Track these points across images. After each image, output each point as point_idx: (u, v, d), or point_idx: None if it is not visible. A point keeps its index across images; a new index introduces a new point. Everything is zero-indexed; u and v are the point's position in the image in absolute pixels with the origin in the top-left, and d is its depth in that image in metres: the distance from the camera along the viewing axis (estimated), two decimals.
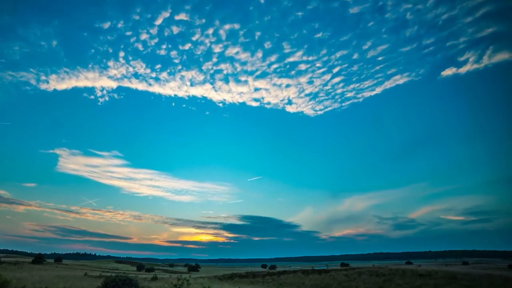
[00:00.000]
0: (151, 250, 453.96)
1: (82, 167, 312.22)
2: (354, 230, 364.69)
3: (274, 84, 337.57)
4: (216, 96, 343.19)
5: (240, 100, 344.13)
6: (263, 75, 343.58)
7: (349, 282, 28.21)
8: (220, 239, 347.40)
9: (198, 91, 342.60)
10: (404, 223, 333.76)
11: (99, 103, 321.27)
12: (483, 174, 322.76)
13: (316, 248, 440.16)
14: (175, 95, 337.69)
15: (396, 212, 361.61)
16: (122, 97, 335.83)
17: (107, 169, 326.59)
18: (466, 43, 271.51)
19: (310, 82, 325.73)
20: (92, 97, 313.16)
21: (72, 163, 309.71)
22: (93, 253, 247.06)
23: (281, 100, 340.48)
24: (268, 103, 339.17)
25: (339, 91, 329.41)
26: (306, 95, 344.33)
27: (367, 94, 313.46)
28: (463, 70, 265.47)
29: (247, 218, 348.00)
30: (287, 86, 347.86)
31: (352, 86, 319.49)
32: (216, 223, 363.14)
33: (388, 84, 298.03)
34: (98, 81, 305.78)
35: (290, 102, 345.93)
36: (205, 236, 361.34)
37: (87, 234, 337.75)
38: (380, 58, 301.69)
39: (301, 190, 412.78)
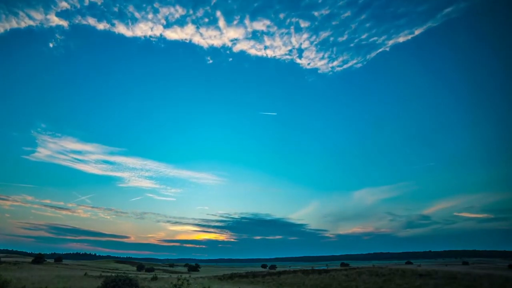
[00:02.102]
0: (150, 250, 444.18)
1: (65, 154, 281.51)
2: (363, 228, 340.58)
3: (280, 24, 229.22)
4: (202, 41, 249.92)
5: (235, 50, 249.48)
6: (264, 10, 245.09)
7: (349, 282, 28.20)
8: (220, 238, 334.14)
9: (177, 34, 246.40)
10: (417, 220, 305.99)
11: (53, 55, 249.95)
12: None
13: (322, 248, 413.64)
14: (145, 38, 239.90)
15: (409, 208, 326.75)
16: (78, 43, 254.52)
17: (94, 157, 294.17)
18: None
19: (327, 19, 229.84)
20: (44, 48, 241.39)
21: (51, 150, 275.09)
22: (93, 253, 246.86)
23: (290, 51, 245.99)
24: (273, 52, 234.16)
25: (364, 36, 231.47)
26: (321, 42, 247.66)
27: (402, 38, 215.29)
28: None
29: (247, 216, 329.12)
30: (298, 30, 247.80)
31: (384, 27, 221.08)
32: (214, 221, 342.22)
33: (431, 23, 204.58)
34: (46, 21, 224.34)
35: (300, 54, 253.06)
36: (203, 235, 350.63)
37: (81, 233, 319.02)
38: None
39: (305, 182, 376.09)
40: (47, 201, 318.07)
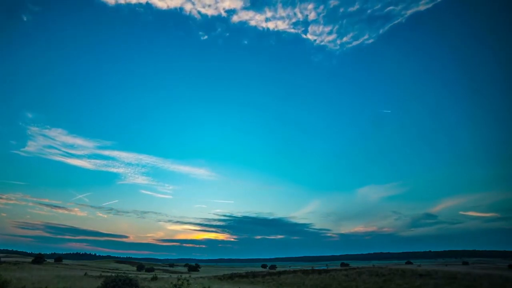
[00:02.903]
0: (149, 250, 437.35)
1: (57, 149, 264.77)
2: (367, 227, 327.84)
3: None
4: (194, 11, 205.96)
5: (232, 21, 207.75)
6: None
7: (349, 282, 28.20)
8: (220, 237, 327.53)
9: (165, 2, 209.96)
10: (422, 220, 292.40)
11: (28, 31, 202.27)
12: None
13: (324, 247, 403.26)
14: (129, 6, 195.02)
15: (415, 207, 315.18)
16: (54, 15, 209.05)
17: (87, 152, 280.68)
18: None
19: None
20: (18, 23, 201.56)
21: (41, 144, 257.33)
22: (92, 253, 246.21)
23: (294, 24, 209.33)
24: (275, 25, 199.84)
25: (378, 5, 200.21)
26: (329, 13, 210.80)
27: (422, 6, 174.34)
28: None
29: (248, 215, 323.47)
30: None
31: None
32: (214, 220, 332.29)
33: None
34: None
35: (306, 28, 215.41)
36: (203, 235, 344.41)
37: (80, 233, 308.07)
38: None
39: (307, 180, 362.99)
40: (44, 200, 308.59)
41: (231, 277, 36.49)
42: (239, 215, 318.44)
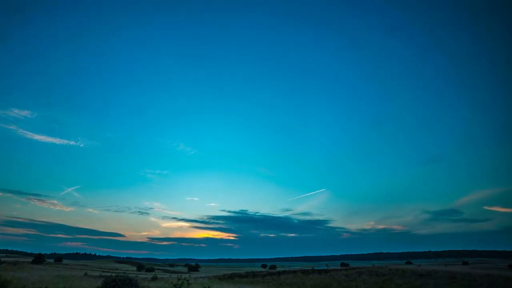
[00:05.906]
0: (147, 249, 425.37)
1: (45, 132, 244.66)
2: (383, 225, 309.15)
3: None
4: None
5: None
6: None
7: (349, 282, 28.22)
8: (219, 236, 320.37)
9: None
10: (445, 215, 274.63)
11: None
12: None
13: (329, 246, 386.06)
14: None
15: (437, 202, 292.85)
16: None
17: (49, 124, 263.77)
18: None
19: None
20: None
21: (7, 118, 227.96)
22: (92, 253, 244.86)
23: None
24: None
25: None
26: None
27: None
28: None
29: (248, 213, 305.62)
30: None
31: None
32: (211, 217, 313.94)
33: None
34: None
35: None
36: (203, 233, 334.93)
37: (73, 231, 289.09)
38: None
39: (312, 177, 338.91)
40: (30, 195, 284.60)
41: (231, 277, 36.51)
42: (237, 211, 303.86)
